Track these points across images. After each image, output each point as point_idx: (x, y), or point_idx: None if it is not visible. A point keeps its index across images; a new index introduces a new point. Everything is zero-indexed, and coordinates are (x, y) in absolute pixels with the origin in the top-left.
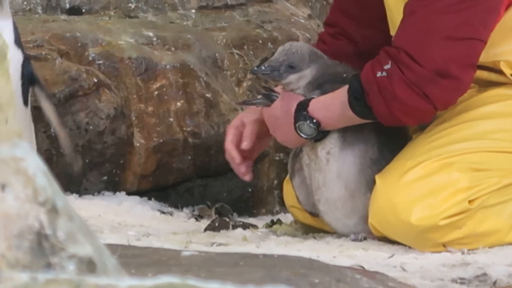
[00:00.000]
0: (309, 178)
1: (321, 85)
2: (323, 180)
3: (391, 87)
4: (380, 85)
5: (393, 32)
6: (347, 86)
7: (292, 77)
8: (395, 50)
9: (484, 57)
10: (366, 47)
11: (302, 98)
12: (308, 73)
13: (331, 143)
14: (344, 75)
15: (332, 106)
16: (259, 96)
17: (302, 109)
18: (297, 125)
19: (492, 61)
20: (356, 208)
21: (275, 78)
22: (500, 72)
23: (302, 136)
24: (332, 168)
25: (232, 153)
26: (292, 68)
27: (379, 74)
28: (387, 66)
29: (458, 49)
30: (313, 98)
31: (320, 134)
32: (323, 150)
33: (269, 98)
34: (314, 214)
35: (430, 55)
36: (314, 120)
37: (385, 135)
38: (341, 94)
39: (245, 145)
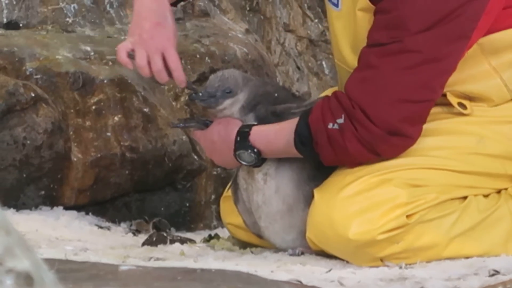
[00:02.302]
0: (248, 201)
1: (254, 106)
2: (262, 198)
3: (343, 142)
4: (330, 137)
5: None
6: (292, 125)
7: (227, 102)
8: (350, 104)
9: None
10: None
11: (239, 122)
12: (241, 97)
13: (268, 165)
14: (276, 94)
15: (275, 141)
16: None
17: (243, 138)
18: (237, 153)
19: None
20: (295, 223)
21: (211, 105)
22: (443, 94)
23: (241, 163)
24: (270, 186)
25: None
26: (228, 93)
27: (330, 125)
28: (340, 120)
29: (413, 110)
30: (253, 125)
31: (260, 162)
32: (260, 173)
33: (202, 122)
34: (261, 236)
35: (385, 116)
36: (255, 150)
37: None
38: (287, 132)
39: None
